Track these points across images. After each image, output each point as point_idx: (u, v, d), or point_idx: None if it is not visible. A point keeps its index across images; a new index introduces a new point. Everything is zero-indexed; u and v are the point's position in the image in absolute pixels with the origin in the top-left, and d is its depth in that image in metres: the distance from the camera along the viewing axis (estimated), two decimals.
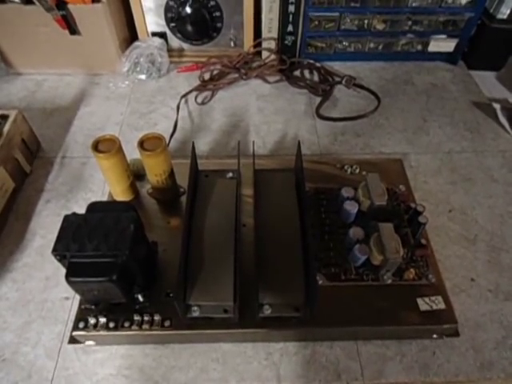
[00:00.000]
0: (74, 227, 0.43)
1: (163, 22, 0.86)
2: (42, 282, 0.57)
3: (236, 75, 0.88)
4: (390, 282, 0.52)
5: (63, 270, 0.43)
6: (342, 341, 0.52)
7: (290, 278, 0.50)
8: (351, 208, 0.55)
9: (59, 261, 0.43)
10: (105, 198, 0.62)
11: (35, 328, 0.53)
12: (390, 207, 0.58)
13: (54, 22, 0.77)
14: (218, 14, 0.84)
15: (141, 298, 0.48)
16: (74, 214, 0.45)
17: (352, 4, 0.82)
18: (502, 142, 0.76)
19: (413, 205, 0.56)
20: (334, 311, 0.49)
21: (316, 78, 0.89)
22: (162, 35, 0.88)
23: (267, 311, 0.47)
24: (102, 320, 0.48)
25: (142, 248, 0.47)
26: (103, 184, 0.68)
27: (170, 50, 0.90)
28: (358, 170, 0.63)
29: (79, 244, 0.42)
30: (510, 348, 0.51)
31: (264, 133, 0.77)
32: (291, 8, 0.81)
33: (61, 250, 0.42)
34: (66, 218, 0.44)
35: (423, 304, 0.50)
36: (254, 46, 0.90)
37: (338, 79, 0.87)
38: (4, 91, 0.84)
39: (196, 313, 0.47)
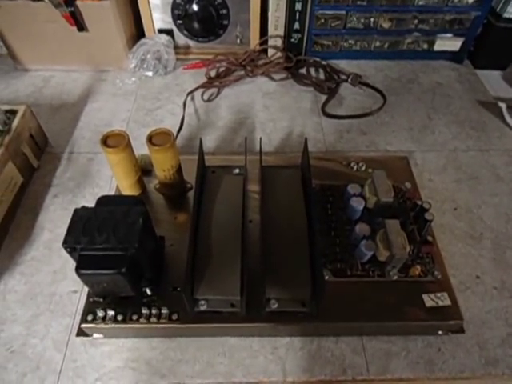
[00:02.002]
0: (84, 220, 0.43)
1: (170, 20, 0.87)
2: (50, 275, 0.57)
3: (242, 72, 0.88)
4: (395, 278, 0.52)
5: (71, 264, 0.44)
6: (347, 336, 0.52)
7: (296, 273, 0.50)
8: (357, 204, 0.55)
9: (69, 253, 0.43)
10: (112, 193, 0.62)
11: (43, 320, 0.53)
12: (396, 204, 0.58)
13: (62, 18, 0.78)
14: (224, 11, 0.85)
15: (149, 292, 0.49)
16: (84, 207, 0.45)
17: (358, 2, 0.82)
18: (507, 141, 0.76)
19: (419, 202, 0.57)
20: (340, 306, 0.50)
21: (322, 75, 0.89)
22: (169, 32, 0.88)
23: (274, 305, 0.48)
24: (111, 313, 0.48)
25: (150, 241, 0.48)
26: (110, 179, 0.68)
27: (176, 47, 0.90)
28: (363, 168, 0.64)
29: (89, 237, 0.42)
30: None
31: (270, 130, 0.78)
32: (298, 6, 0.82)
33: (71, 242, 0.42)
34: (76, 212, 0.44)
35: (429, 300, 0.50)
36: (260, 44, 0.90)
37: (343, 77, 0.87)
38: (12, 87, 0.85)
39: (203, 307, 0.48)
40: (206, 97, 0.84)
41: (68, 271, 0.57)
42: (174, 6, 0.84)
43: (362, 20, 0.85)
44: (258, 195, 0.59)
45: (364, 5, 0.82)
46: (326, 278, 0.52)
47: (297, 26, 0.85)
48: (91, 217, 0.44)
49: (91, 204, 0.48)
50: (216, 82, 0.86)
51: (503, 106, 0.81)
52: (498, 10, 0.85)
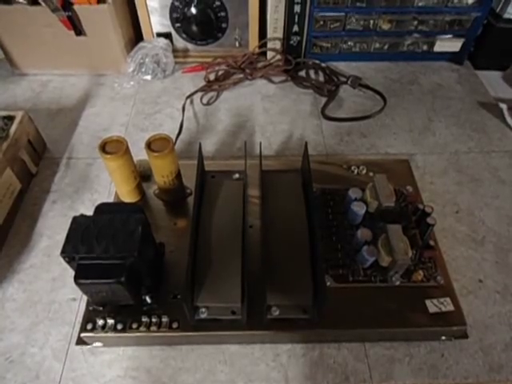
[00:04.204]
0: (83, 229, 0.43)
1: (168, 23, 0.86)
2: (49, 283, 0.57)
3: (241, 75, 0.88)
4: (398, 283, 0.51)
5: (70, 271, 0.43)
6: (349, 342, 0.52)
7: (297, 279, 0.50)
8: (359, 209, 0.54)
9: (68, 263, 0.42)
10: (111, 199, 0.62)
11: (42, 329, 0.53)
12: (398, 208, 0.58)
13: (59, 22, 0.77)
14: (223, 14, 0.84)
15: (148, 300, 0.48)
16: (83, 215, 0.45)
17: (358, 4, 0.81)
18: (508, 143, 0.76)
19: (421, 206, 0.56)
20: (342, 313, 0.49)
21: (321, 78, 0.89)
22: (167, 36, 0.88)
23: (275, 313, 0.47)
24: (110, 321, 0.47)
25: (149, 249, 0.47)
26: (109, 185, 0.68)
27: (174, 51, 0.89)
28: (364, 171, 0.63)
29: (88, 246, 0.42)
30: None
31: (270, 133, 0.77)
32: (297, 8, 0.81)
33: (69, 251, 0.42)
34: (75, 220, 0.44)
35: (432, 306, 0.50)
36: (259, 47, 0.90)
37: (343, 79, 0.87)
38: (9, 92, 0.85)
39: (204, 314, 0.47)
40: (205, 100, 0.84)
41: (67, 278, 0.57)
42: (173, 9, 0.84)
43: (362, 22, 0.84)
44: (258, 200, 0.59)
45: (363, 6, 0.82)
46: (328, 283, 0.51)
47: (296, 28, 0.85)
48: (90, 225, 0.43)
49: (90, 210, 0.48)
50: (215, 85, 0.86)
51: (504, 106, 0.81)
52: (497, 10, 0.85)
